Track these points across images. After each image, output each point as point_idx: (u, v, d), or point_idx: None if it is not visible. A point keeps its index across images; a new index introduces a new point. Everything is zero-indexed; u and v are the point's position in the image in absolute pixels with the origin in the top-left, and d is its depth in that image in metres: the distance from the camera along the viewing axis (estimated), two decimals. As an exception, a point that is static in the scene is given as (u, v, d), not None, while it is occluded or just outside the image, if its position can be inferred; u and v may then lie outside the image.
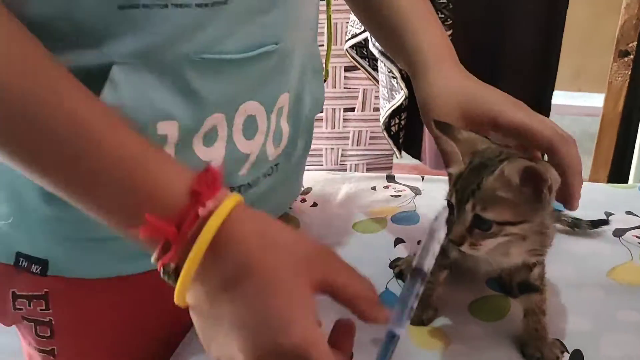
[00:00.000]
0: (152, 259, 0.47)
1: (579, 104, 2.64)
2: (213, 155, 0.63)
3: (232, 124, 0.64)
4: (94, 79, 0.53)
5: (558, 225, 0.83)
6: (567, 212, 0.82)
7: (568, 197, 0.63)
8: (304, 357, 0.44)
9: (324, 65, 0.83)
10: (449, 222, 0.56)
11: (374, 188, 0.98)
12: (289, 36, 0.67)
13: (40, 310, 0.68)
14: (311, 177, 1.01)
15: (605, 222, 0.84)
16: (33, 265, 0.65)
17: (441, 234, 0.53)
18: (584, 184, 0.94)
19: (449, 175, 0.61)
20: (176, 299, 0.47)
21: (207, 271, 0.45)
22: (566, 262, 0.78)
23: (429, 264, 0.52)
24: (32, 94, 0.45)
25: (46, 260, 0.65)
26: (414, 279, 0.51)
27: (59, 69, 0.48)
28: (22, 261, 0.65)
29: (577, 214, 0.84)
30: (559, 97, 3.09)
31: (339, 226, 0.88)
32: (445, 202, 0.59)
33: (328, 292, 0.48)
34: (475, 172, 0.56)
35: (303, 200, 0.95)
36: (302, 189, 0.98)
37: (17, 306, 0.69)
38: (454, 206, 0.57)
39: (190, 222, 0.45)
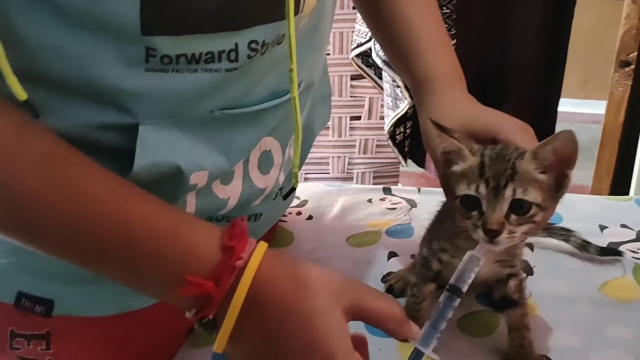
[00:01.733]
0: (189, 314, 0.50)
1: (586, 111, 2.63)
2: (230, 192, 0.64)
3: (248, 161, 0.65)
4: (121, 135, 0.54)
5: (567, 245, 0.83)
6: (578, 233, 0.82)
7: None
8: None
9: (331, 90, 0.84)
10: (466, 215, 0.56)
11: (370, 200, 0.99)
12: (309, 74, 0.68)
13: (41, 350, 0.66)
14: (308, 190, 1.02)
15: (617, 253, 0.81)
16: (37, 306, 0.64)
17: (479, 265, 0.55)
18: (580, 196, 0.94)
19: (451, 174, 0.58)
20: (216, 348, 0.49)
21: (247, 319, 0.48)
22: (558, 276, 0.78)
23: (465, 287, 0.55)
24: (49, 192, 0.47)
25: (52, 300, 0.64)
26: (452, 299, 0.54)
27: (73, 156, 0.49)
28: (25, 301, 0.64)
29: (571, 226, 0.85)
30: (566, 105, 3.08)
31: (333, 240, 0.88)
32: (461, 199, 0.56)
33: (360, 317, 0.52)
34: (499, 161, 0.55)
35: (299, 214, 0.95)
36: (299, 201, 0.98)
37: (15, 345, 0.66)
38: (484, 196, 0.54)
39: (228, 276, 0.48)
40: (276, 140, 0.67)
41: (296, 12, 0.56)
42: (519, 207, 0.54)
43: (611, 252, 0.81)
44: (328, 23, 0.70)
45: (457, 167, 0.58)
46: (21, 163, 0.47)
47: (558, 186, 0.55)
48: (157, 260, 0.49)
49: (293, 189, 0.68)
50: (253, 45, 0.55)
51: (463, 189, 0.56)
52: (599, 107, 2.65)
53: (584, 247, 0.82)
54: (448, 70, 0.71)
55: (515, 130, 0.61)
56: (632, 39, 1.41)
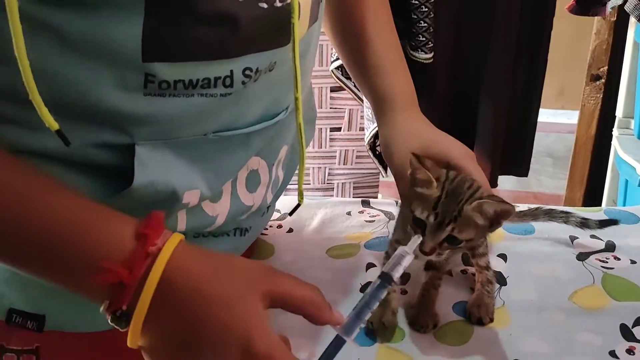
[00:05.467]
0: (102, 308, 0.50)
1: (563, 121, 2.69)
2: (219, 210, 0.66)
3: (236, 180, 0.67)
4: (117, 154, 0.55)
5: (568, 225, 0.89)
6: (577, 213, 0.89)
7: None
8: None
9: (316, 114, 0.88)
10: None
11: (349, 213, 1.01)
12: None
13: None
14: (288, 203, 1.03)
15: (614, 222, 0.89)
16: (28, 322, 0.65)
17: (409, 259, 0.59)
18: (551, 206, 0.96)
19: (413, 183, 0.67)
20: (130, 341, 0.49)
21: (161, 305, 0.48)
22: (529, 284, 0.81)
23: (396, 277, 0.58)
24: None
25: (43, 315, 0.65)
26: (381, 288, 0.56)
27: None
28: (16, 317, 0.65)
29: (542, 237, 0.88)
30: (542, 115, 3.12)
31: (313, 252, 0.90)
32: (415, 218, 0.65)
33: (278, 303, 0.52)
34: (452, 199, 0.64)
35: (279, 227, 0.97)
36: (279, 214, 1.00)
37: None
38: (430, 225, 0.64)
39: (141, 262, 0.49)
40: (263, 160, 0.69)
41: (288, 41, 0.59)
42: (452, 240, 0.65)
43: (609, 222, 0.89)
44: (314, 50, 0.74)
45: (420, 190, 0.66)
46: None
47: (490, 226, 0.66)
48: (72, 250, 0.50)
49: (298, 205, 0.73)
50: (247, 72, 0.58)
51: (417, 212, 0.65)
52: (574, 118, 2.70)
53: (584, 224, 0.88)
54: (407, 91, 0.79)
55: (466, 159, 0.70)
56: (602, 54, 1.46)
